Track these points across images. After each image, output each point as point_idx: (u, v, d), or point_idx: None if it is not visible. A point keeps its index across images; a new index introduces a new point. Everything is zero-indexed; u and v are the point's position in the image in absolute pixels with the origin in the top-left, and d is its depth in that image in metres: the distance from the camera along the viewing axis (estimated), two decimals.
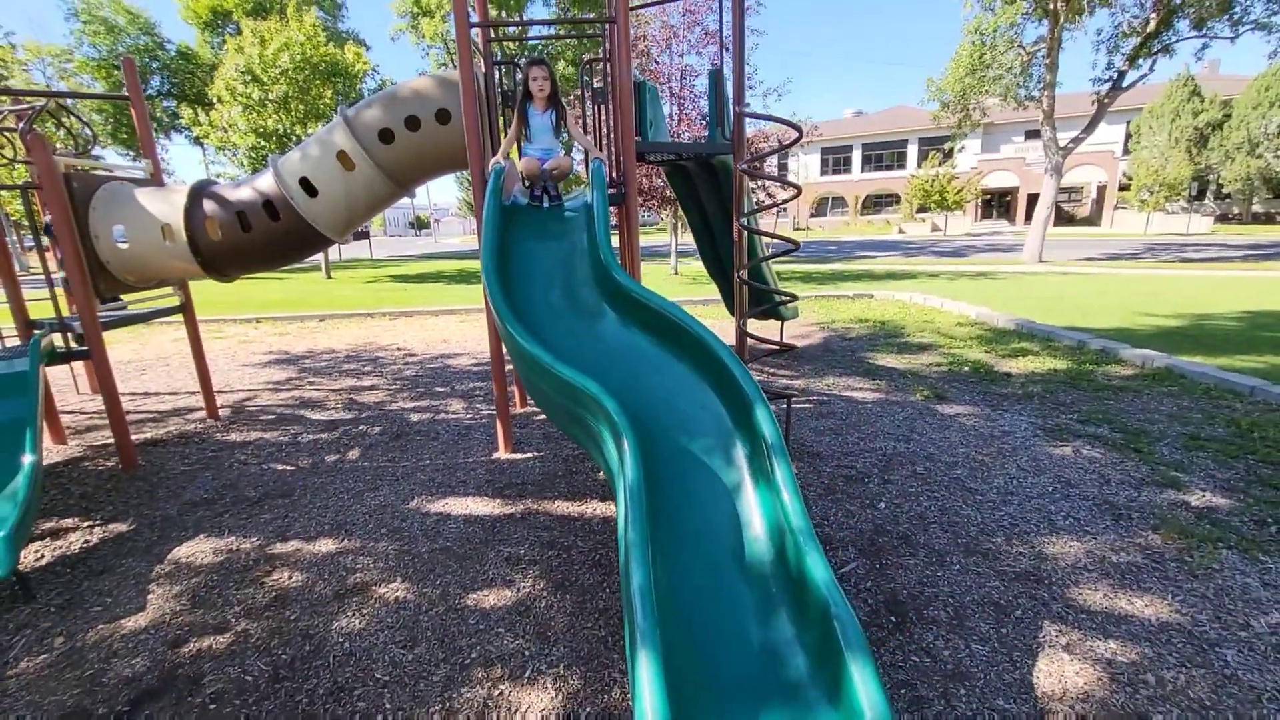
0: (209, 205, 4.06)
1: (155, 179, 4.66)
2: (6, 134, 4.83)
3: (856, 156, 45.83)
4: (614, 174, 4.14)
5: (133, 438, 4.48)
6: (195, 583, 2.93)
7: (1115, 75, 17.03)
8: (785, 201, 4.56)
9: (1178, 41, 16.43)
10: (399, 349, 8.19)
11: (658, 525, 2.11)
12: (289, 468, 4.24)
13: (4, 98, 6.58)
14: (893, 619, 2.54)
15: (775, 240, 4.04)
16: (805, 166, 45.30)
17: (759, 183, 13.76)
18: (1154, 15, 15.77)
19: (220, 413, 5.42)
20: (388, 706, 2.16)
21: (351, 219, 4.21)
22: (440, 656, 2.40)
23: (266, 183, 4.05)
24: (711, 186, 5.09)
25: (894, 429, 4.61)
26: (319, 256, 19.55)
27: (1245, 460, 3.88)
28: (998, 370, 6.11)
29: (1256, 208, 35.77)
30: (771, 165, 30.00)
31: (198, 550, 3.22)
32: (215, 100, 17.07)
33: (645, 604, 1.68)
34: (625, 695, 2.18)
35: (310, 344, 8.71)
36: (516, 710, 2.13)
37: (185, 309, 5.05)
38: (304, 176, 4.00)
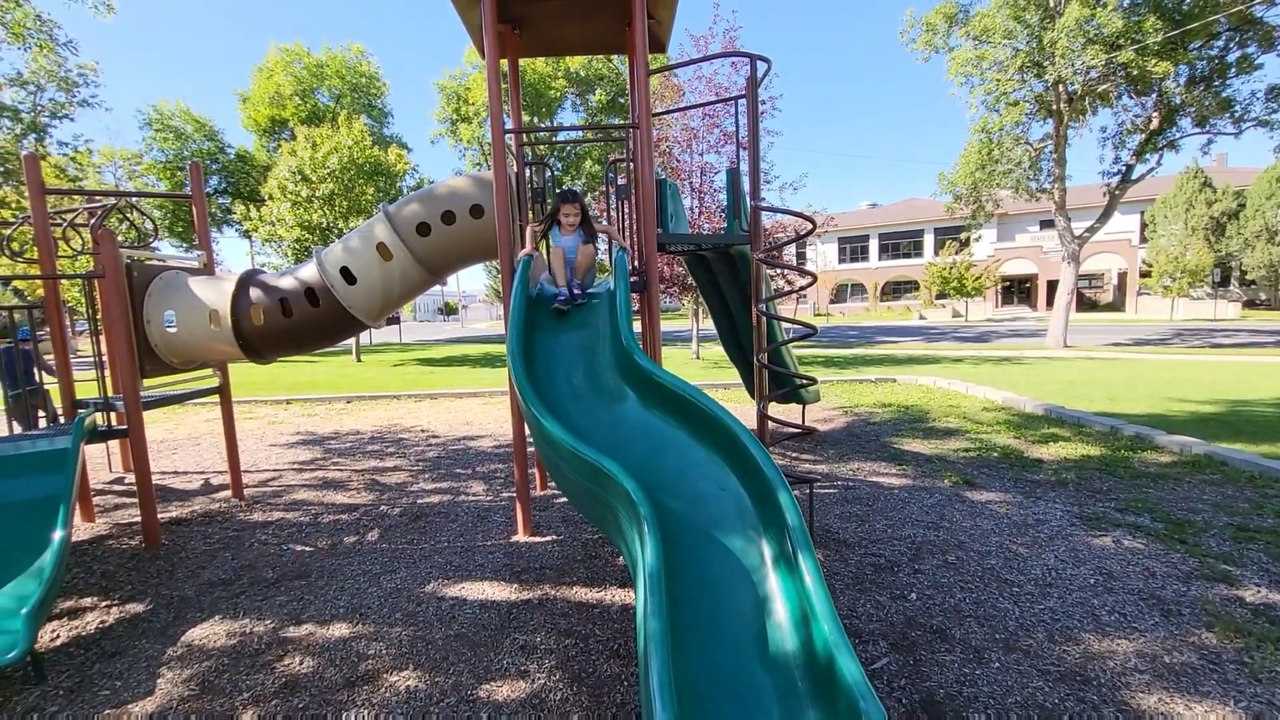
0: (255, 293, 4.32)
1: (208, 269, 4.98)
2: (78, 228, 5.25)
3: (874, 245, 46.96)
4: (636, 263, 4.33)
5: (159, 516, 4.53)
6: (206, 667, 2.87)
7: (1123, 169, 17.53)
8: (803, 288, 4.69)
9: (1182, 138, 16.99)
10: (422, 430, 8.28)
11: (678, 612, 2.05)
12: (308, 548, 4.23)
13: (78, 198, 7.18)
14: None
15: (794, 325, 4.12)
16: (823, 255, 46.45)
17: (777, 270, 14.13)
18: (1155, 114, 16.42)
19: (245, 492, 5.48)
20: None
21: (386, 305, 4.42)
22: None
23: (310, 272, 4.31)
24: (730, 275, 5.27)
25: (923, 516, 4.47)
26: (350, 341, 20.25)
27: None
28: (1028, 456, 5.95)
29: None
30: (790, 255, 30.88)
31: (211, 633, 3.17)
32: (267, 197, 18.37)
33: (665, 697, 1.61)
34: None
35: (337, 425, 8.87)
36: None
37: (222, 390, 5.25)
38: (345, 266, 4.25)
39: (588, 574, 3.71)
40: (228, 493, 5.46)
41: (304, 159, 17.09)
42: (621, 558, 3.81)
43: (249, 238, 28.37)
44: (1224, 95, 15.85)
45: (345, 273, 4.26)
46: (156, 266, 4.54)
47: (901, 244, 46.24)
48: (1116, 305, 38.94)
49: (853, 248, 47.90)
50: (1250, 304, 35.72)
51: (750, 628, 2.04)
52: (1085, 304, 39.02)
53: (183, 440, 7.99)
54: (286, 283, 4.30)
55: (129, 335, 4.13)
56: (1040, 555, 3.77)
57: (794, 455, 6.27)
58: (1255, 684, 2.53)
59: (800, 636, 1.94)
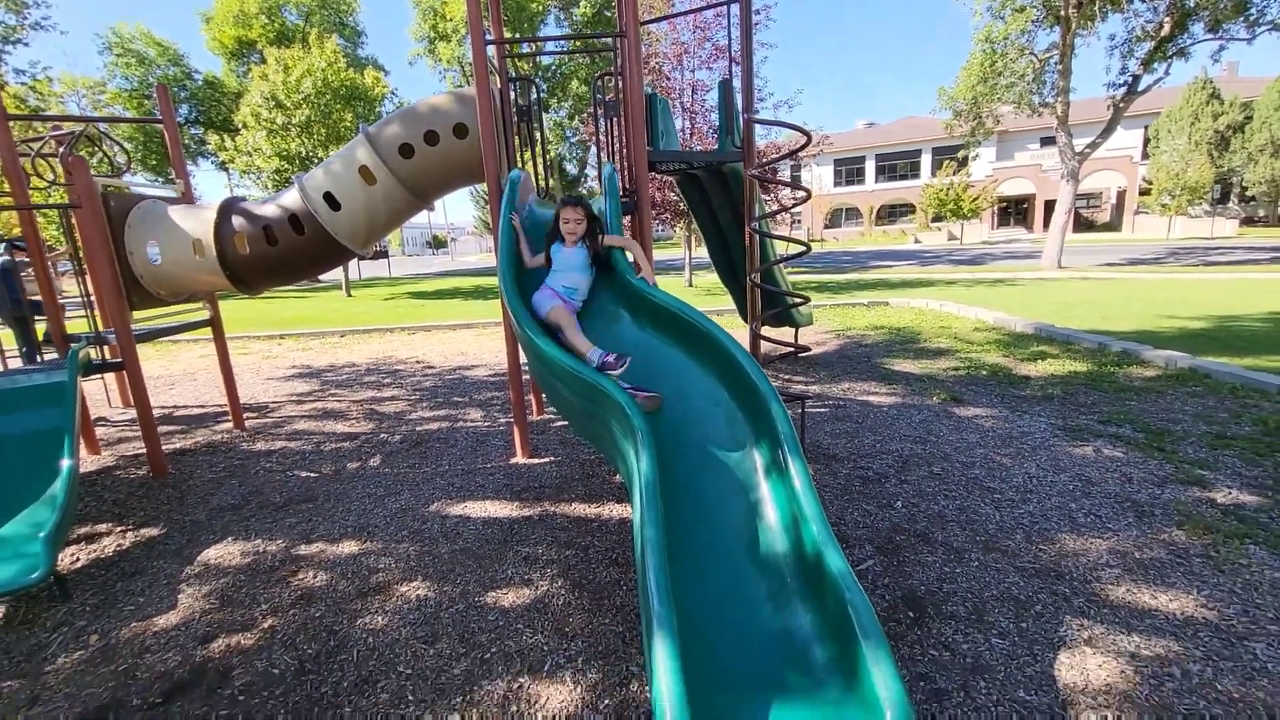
0: (238, 220, 4.21)
1: (186, 198, 4.84)
2: (48, 159, 5.05)
3: (870, 167, 45.79)
4: (627, 183, 4.22)
5: (163, 447, 4.61)
6: (224, 583, 3.00)
7: (1130, 80, 16.91)
8: (794, 205, 4.61)
9: (1193, 45, 16.30)
10: (418, 362, 8.32)
11: (673, 520, 2.14)
12: (312, 474, 4.33)
13: (44, 125, 6.86)
14: (911, 614, 2.53)
15: (787, 244, 4.08)
16: (818, 178, 45.34)
17: (771, 192, 13.83)
18: (1168, 19, 15.68)
19: (246, 423, 5.55)
20: (410, 699, 2.20)
21: (372, 231, 4.33)
22: (461, 651, 2.44)
23: (292, 199, 4.19)
24: (723, 194, 5.16)
25: (910, 431, 4.60)
26: (339, 275, 19.96)
27: (1274, 458, 3.80)
28: (1016, 373, 6.05)
29: None
30: (784, 176, 30.13)
31: (226, 553, 3.30)
32: (240, 126, 17.61)
33: (661, 593, 1.71)
34: (643, 688, 2.19)
35: (331, 359, 8.89)
36: (536, 703, 2.16)
37: (214, 323, 5.21)
38: (328, 191, 4.13)
39: (585, 491, 3.83)
40: (229, 424, 5.53)
41: (276, 83, 16.27)
42: (618, 475, 3.93)
43: (226, 170, 27.31)
44: None
45: (329, 198, 4.14)
46: (133, 196, 4.41)
47: (898, 165, 45.10)
48: (1113, 225, 38.55)
49: (848, 170, 46.71)
50: (1248, 221, 35.43)
51: (743, 532, 2.13)
52: (1082, 224, 38.61)
53: (179, 376, 8.01)
54: (269, 210, 4.20)
55: (113, 266, 4.06)
56: (1022, 465, 3.91)
57: (786, 377, 6.35)
58: (1219, 575, 2.69)
59: (790, 538, 2.04)
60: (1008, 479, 3.72)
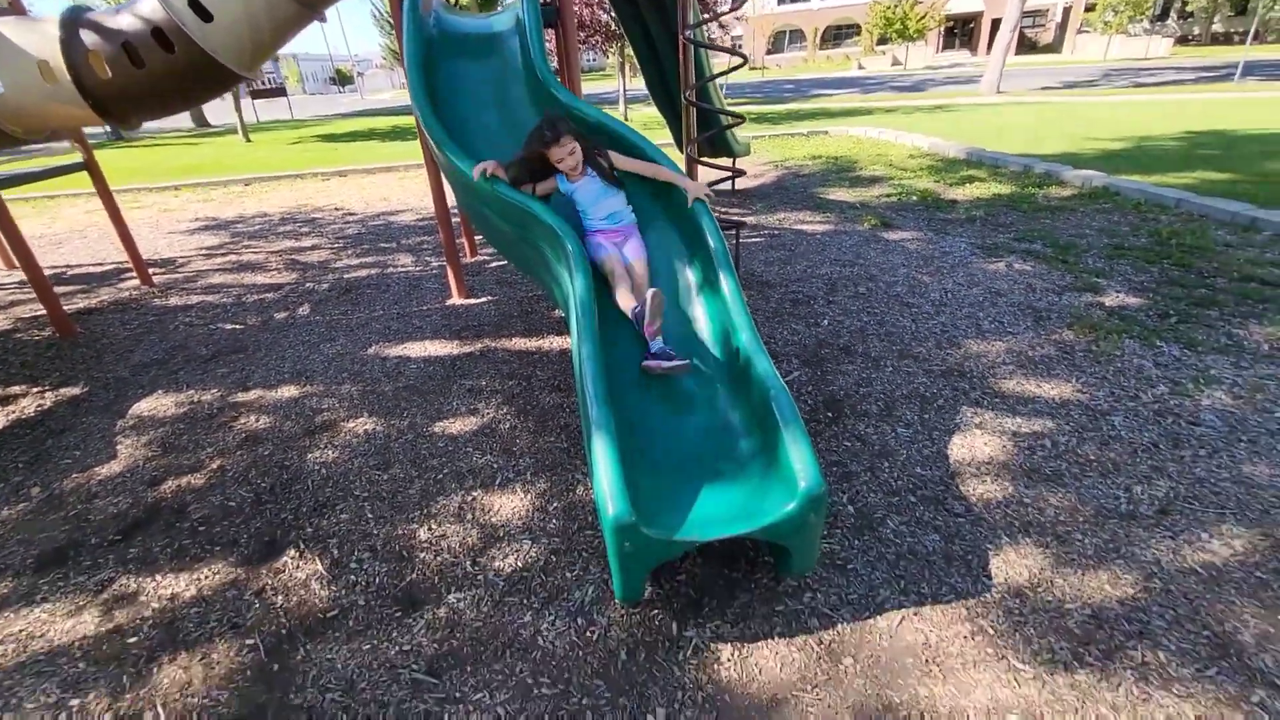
0: (89, 37, 3.54)
1: (15, 8, 4.01)
2: None
3: None
4: None
5: (64, 307, 4.28)
6: (163, 432, 2.98)
7: None
8: (728, 12, 4.25)
9: None
10: (336, 209, 7.75)
11: (611, 337, 2.20)
12: (238, 326, 4.17)
13: None
14: (830, 414, 2.79)
15: (724, 53, 3.81)
16: None
17: (710, 8, 12.66)
18: None
19: (154, 279, 5.17)
20: (370, 517, 2.34)
21: (258, 47, 3.75)
22: (414, 474, 2.57)
23: (150, 7, 3.51)
24: (655, 7, 4.67)
25: (840, 256, 4.73)
26: (234, 119, 17.69)
27: (1160, 265, 4.15)
28: (944, 198, 6.18)
29: (1217, 27, 34.92)
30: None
31: (159, 405, 3.23)
32: None
33: (598, 399, 1.80)
34: (588, 493, 2.40)
35: (239, 209, 8.16)
36: (490, 511, 2.34)
37: (90, 168, 4.60)
38: None
39: (525, 327, 3.86)
40: (134, 281, 5.14)
41: None
42: (558, 310, 3.95)
43: None
44: None
45: (196, 6, 3.50)
46: None
47: None
48: (1055, 46, 37.68)
49: None
50: (1181, 40, 35.25)
51: (681, 343, 2.22)
52: (1025, 45, 37.55)
53: (65, 234, 7.23)
54: (125, 22, 3.52)
55: None
56: (940, 282, 4.14)
57: (724, 209, 6.29)
58: (1096, 365, 3.04)
59: (721, 345, 2.14)
60: (926, 295, 3.95)
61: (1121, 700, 1.53)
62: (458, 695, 1.66)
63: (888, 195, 6.45)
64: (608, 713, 1.60)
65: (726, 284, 2.14)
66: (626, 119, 15.83)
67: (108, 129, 17.67)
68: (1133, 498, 2.18)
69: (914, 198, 6.25)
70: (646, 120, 14.98)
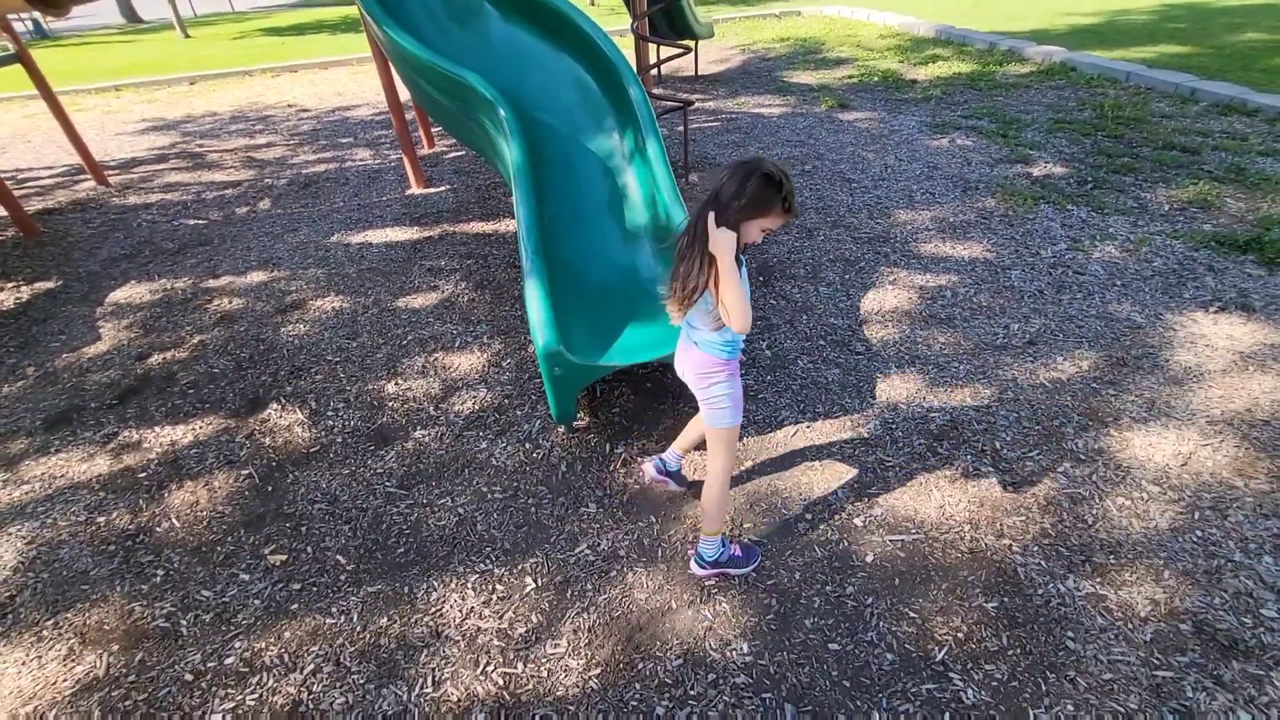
0: None
1: None
2: None
3: None
4: None
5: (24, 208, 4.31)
6: (141, 315, 3.18)
7: None
8: None
9: None
10: (289, 105, 7.51)
11: (547, 198, 2.39)
12: (201, 221, 4.25)
13: None
14: (761, 278, 3.05)
15: None
16: None
17: None
18: None
19: (110, 180, 5.15)
20: (342, 376, 2.62)
21: None
22: (380, 342, 2.82)
23: None
24: None
25: (793, 137, 4.83)
26: (168, 13, 16.36)
27: (1094, 137, 4.31)
28: (905, 78, 6.16)
29: None
30: None
31: (134, 293, 3.40)
32: None
33: (531, 247, 2.03)
34: None
35: (187, 109, 7.86)
36: (450, 368, 2.62)
37: (24, 61, 4.45)
38: None
39: (482, 212, 4.00)
40: (90, 182, 5.10)
41: None
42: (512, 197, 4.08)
43: None
44: None
45: None
46: None
47: None
48: None
49: None
50: None
51: (607, 204, 2.43)
52: None
53: (7, 139, 6.98)
54: None
55: None
56: (883, 158, 4.29)
57: (685, 95, 6.23)
58: (1009, 228, 3.29)
59: (648, 206, 2.35)
60: (867, 170, 4.11)
61: (957, 475, 1.90)
62: (424, 501, 2.00)
63: (850, 77, 6.40)
64: (549, 508, 1.95)
65: (652, 150, 2.32)
66: (594, 3, 14.92)
67: (31, 26, 16.36)
68: (1009, 333, 2.51)
69: (875, 79, 6.22)
70: (614, 5, 14.16)
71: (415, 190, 4.40)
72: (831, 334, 2.62)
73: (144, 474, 2.18)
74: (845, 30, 8.94)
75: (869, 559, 1.69)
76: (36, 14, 10.18)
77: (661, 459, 1.93)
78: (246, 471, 2.16)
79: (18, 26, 13.86)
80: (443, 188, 4.44)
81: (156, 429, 2.40)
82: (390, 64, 3.61)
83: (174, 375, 2.70)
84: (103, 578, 1.81)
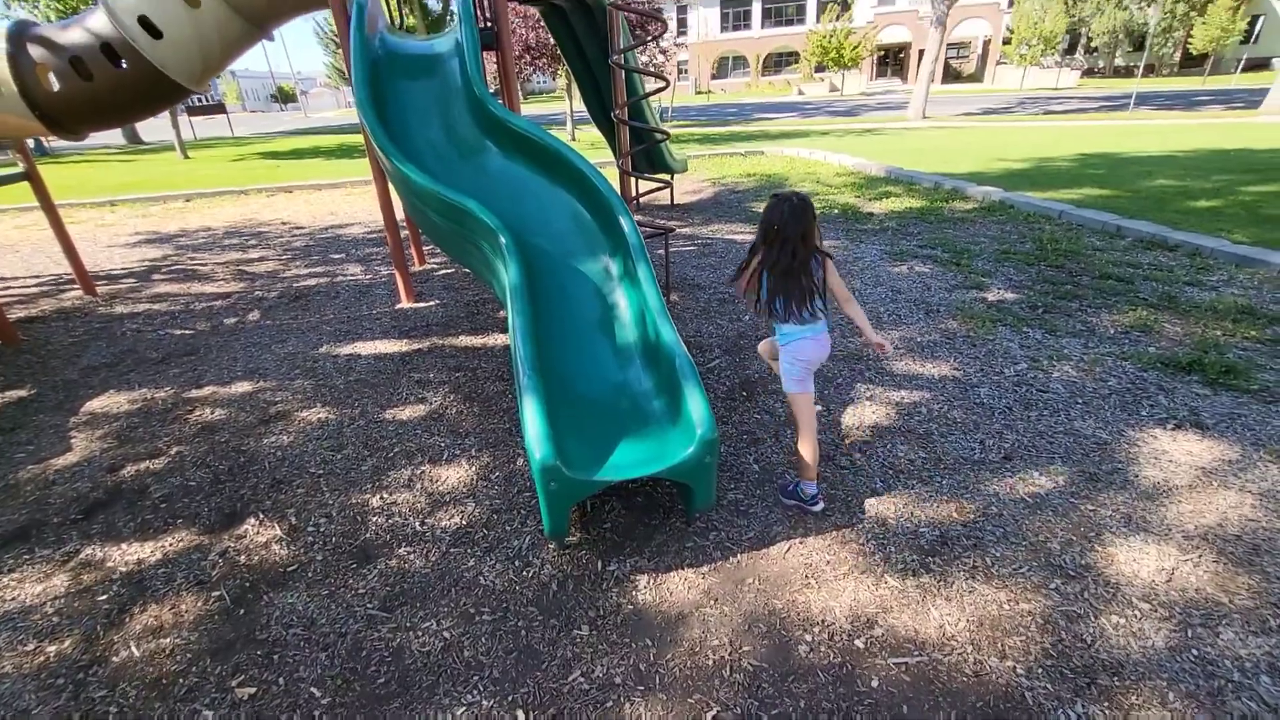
0: (37, 51, 3.67)
1: None
2: None
3: (756, 10, 43.90)
4: (485, 13, 4.07)
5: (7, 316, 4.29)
6: (117, 425, 3.10)
7: None
8: (656, 36, 4.67)
9: None
10: (283, 223, 7.82)
11: (542, 318, 2.50)
12: (188, 331, 4.28)
13: None
14: (744, 393, 3.16)
15: (646, 75, 4.21)
16: (705, 20, 43.14)
17: (650, 29, 13.24)
18: None
19: (97, 289, 5.19)
20: (325, 489, 2.56)
21: (208, 64, 3.95)
22: (366, 454, 2.79)
23: (100, 22, 3.68)
24: (589, 28, 5.07)
25: None
26: (170, 136, 17.28)
27: (1038, 266, 4.73)
28: (862, 211, 6.76)
29: (1119, 61, 38.13)
30: (670, 16, 28.37)
31: (111, 402, 3.34)
32: None
33: (528, 365, 2.10)
34: (529, 463, 2.67)
35: (181, 224, 8.12)
36: (437, 480, 2.59)
37: (31, 178, 4.64)
38: (142, 15, 3.66)
39: (471, 326, 4.12)
40: (77, 291, 5.15)
41: None
42: (503, 311, 4.23)
43: None
44: None
45: (145, 24, 3.68)
46: None
47: (785, 8, 43.57)
48: (977, 76, 40.36)
49: (735, 13, 44.58)
50: (1089, 72, 38.30)
51: (599, 322, 2.55)
52: (950, 75, 40.11)
53: None
54: (75, 36, 3.67)
55: None
56: (850, 281, 4.60)
57: (662, 221, 6.69)
58: (971, 348, 3.51)
59: (637, 324, 2.48)
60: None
61: (954, 594, 1.91)
62: (408, 625, 1.91)
63: None
64: (540, 630, 1.88)
65: (642, 273, 2.48)
66: (573, 139, 16.25)
67: (33, 143, 16.98)
68: (985, 448, 2.61)
69: (835, 210, 6.80)
70: (594, 140, 15.44)
71: (405, 304, 4.53)
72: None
73: (104, 596, 2.05)
74: (805, 168, 9.86)
75: (874, 684, 1.65)
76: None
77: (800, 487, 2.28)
78: (217, 593, 2.04)
79: None
80: (432, 302, 4.58)
81: (123, 546, 2.28)
82: (391, 187, 3.86)
83: (147, 488, 2.61)
84: (45, 717, 1.65)
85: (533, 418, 1.92)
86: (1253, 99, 18.51)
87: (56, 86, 3.77)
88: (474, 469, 2.65)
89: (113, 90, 3.82)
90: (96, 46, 3.70)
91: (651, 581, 2.03)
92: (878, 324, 3.89)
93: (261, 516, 2.40)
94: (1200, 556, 1.99)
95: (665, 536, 2.21)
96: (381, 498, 2.49)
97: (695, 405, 2.04)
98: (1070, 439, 2.63)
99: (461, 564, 2.13)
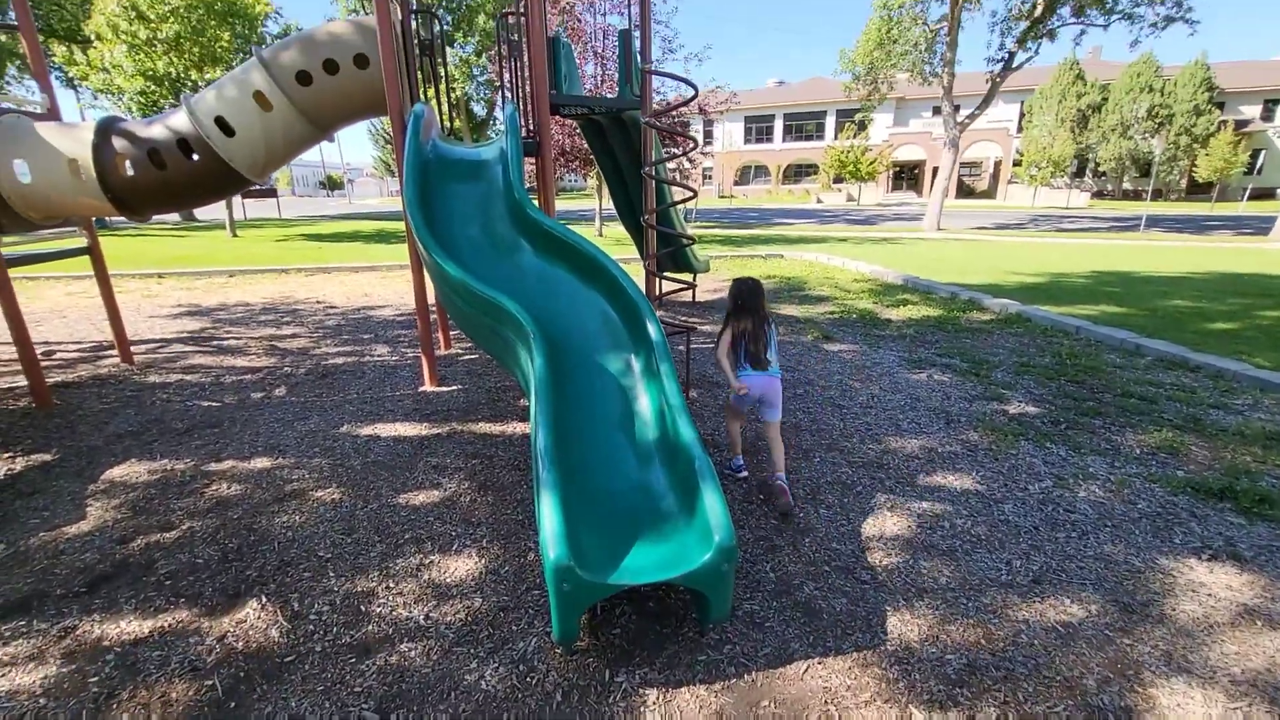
0: (119, 142, 4.03)
1: (52, 114, 4.52)
2: None
3: (778, 126, 46.96)
4: (529, 125, 4.43)
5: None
6: (134, 496, 3.12)
7: (1006, 56, 18.43)
8: (684, 154, 5.00)
9: (1060, 26, 17.95)
10: (318, 302, 8.14)
11: (564, 411, 2.54)
12: (215, 404, 4.37)
13: None
14: (762, 497, 3.11)
15: (675, 186, 4.48)
16: (729, 134, 46.05)
17: (679, 143, 14.16)
18: (1040, 1, 17.15)
19: (135, 358, 5.37)
20: (331, 574, 2.51)
21: (271, 160, 4.29)
22: (376, 539, 2.76)
23: (181, 121, 4.06)
24: (623, 140, 5.46)
25: (785, 363, 5.23)
26: (222, 215, 18.44)
27: (1059, 381, 4.73)
28: (880, 317, 6.89)
29: (1126, 185, 39.63)
30: (697, 129, 30.37)
31: (131, 471, 3.38)
32: (94, 38, 15.56)
33: (547, 459, 2.11)
34: (539, 557, 2.62)
35: (222, 298, 8.49)
36: (446, 571, 2.54)
37: (93, 251, 4.95)
38: (220, 115, 4.04)
39: (491, 413, 4.16)
40: (115, 359, 5.33)
41: None
42: (523, 399, 4.28)
43: (75, 87, 24.13)
44: None
45: (221, 123, 4.06)
46: None
47: (805, 125, 46.55)
48: (990, 193, 42.07)
49: (758, 128, 47.70)
50: (1098, 194, 39.75)
51: (620, 417, 2.57)
52: (964, 191, 41.87)
53: (45, 314, 7.41)
54: (156, 132, 4.04)
55: None
56: (869, 387, 4.62)
57: (684, 318, 6.86)
58: (994, 462, 3.46)
59: (658, 420, 2.49)
60: (855, 398, 4.41)
61: None
62: None
63: (831, 313, 7.14)
64: None
65: (664, 370, 2.53)
66: (600, 234, 17.03)
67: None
68: (1012, 570, 2.51)
69: (854, 316, 6.94)
70: (620, 236, 16.15)
71: (428, 387, 4.61)
72: (835, 559, 2.60)
73: (94, 678, 1.98)
74: (824, 273, 10.16)
75: None
76: None
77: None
78: (210, 682, 1.97)
79: None
80: (455, 387, 4.66)
81: (121, 623, 2.23)
82: (427, 275, 4.04)
83: (154, 562, 2.58)
84: None
85: (549, 514, 1.91)
86: (1262, 226, 19.02)
87: (131, 173, 4.09)
88: (484, 561, 2.59)
89: (182, 179, 4.14)
90: (173, 141, 4.06)
91: (661, 697, 1.93)
92: (897, 430, 3.87)
93: (264, 600, 2.35)
94: (1250, 705, 1.85)
95: (677, 647, 2.12)
96: (387, 586, 2.43)
97: (714, 509, 2.02)
98: (1101, 564, 2.53)
99: (464, 665, 2.05)
